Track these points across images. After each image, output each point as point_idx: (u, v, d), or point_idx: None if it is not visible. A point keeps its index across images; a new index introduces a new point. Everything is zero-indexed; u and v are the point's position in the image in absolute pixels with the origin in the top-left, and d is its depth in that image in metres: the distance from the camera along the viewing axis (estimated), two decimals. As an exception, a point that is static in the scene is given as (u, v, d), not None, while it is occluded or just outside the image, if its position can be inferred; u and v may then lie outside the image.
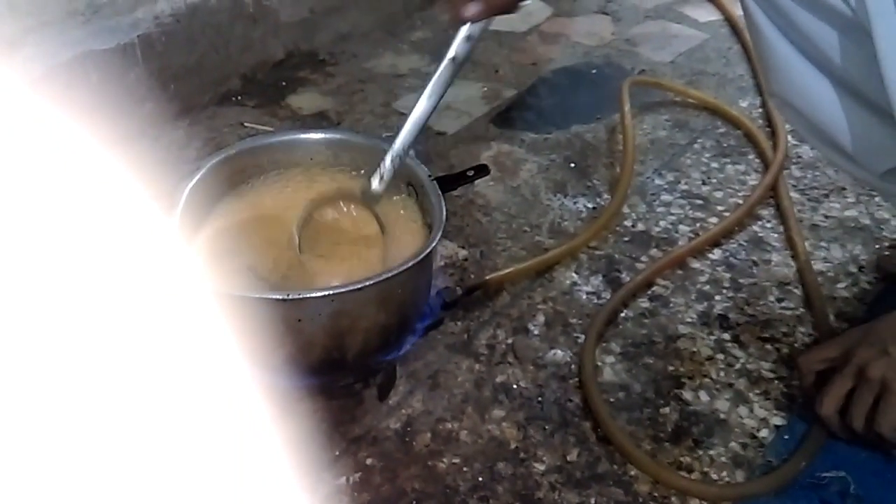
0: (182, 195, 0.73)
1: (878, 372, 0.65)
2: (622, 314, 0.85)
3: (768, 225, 0.97)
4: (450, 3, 0.71)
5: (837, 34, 0.66)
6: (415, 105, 0.72)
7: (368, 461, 0.70)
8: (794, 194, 1.02)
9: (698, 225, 0.97)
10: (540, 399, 0.76)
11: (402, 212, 0.77)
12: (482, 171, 0.82)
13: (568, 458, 0.71)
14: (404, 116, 0.75)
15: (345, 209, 0.75)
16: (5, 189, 0.33)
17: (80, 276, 0.32)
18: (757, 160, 1.09)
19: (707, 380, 0.78)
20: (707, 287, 0.89)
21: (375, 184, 0.73)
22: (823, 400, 0.68)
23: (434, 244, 0.68)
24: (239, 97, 1.24)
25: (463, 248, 0.94)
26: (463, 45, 0.71)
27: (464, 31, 0.70)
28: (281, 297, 0.63)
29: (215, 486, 0.32)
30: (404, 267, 0.66)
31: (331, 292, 0.63)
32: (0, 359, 0.29)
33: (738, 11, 1.47)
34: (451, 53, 0.71)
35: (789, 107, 0.76)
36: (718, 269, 0.91)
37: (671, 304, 0.86)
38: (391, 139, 0.74)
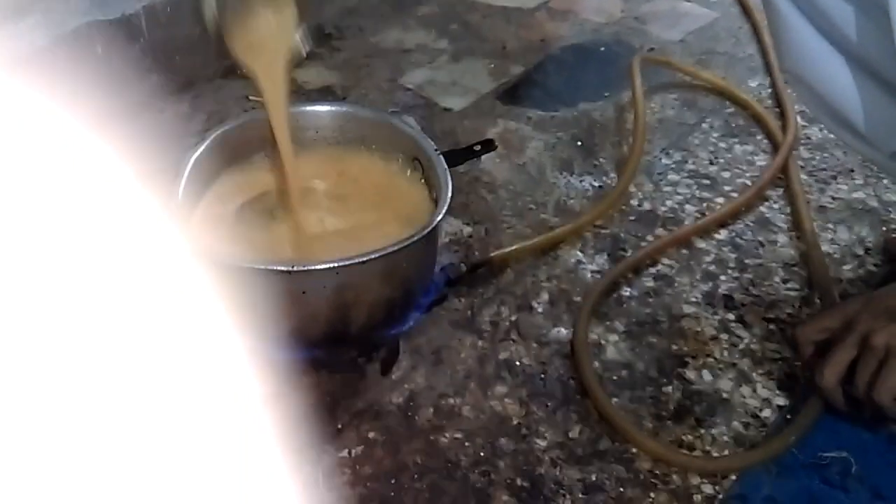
0: (186, 167, 0.72)
1: (883, 339, 0.64)
2: (626, 293, 0.85)
3: (775, 206, 0.97)
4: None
5: (854, 10, 0.65)
6: None
7: (371, 435, 0.70)
8: (802, 176, 1.01)
9: (705, 205, 0.97)
10: (542, 376, 0.76)
11: (407, 186, 0.77)
12: (489, 145, 0.82)
13: (570, 435, 0.71)
14: (410, 91, 0.74)
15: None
16: (8, 162, 0.33)
17: (81, 249, 0.32)
18: (765, 141, 1.08)
19: (710, 359, 0.78)
20: (712, 267, 0.88)
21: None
22: (825, 370, 0.67)
23: (440, 218, 0.68)
24: (244, 70, 1.23)
25: (468, 224, 0.94)
26: None
27: None
28: (286, 269, 0.63)
29: (218, 459, 0.32)
30: (410, 241, 0.65)
31: (336, 265, 0.63)
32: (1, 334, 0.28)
33: (749, -10, 1.45)
34: None
35: (802, 83, 0.75)
36: (724, 249, 0.91)
37: (676, 284, 0.86)
38: (397, 114, 0.74)
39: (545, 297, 0.84)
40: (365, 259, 0.64)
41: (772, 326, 0.81)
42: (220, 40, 0.66)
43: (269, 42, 0.69)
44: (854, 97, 0.71)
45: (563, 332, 0.80)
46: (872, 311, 0.66)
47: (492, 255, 0.87)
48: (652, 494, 0.66)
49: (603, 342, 0.79)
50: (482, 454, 0.69)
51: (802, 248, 0.90)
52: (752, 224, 0.94)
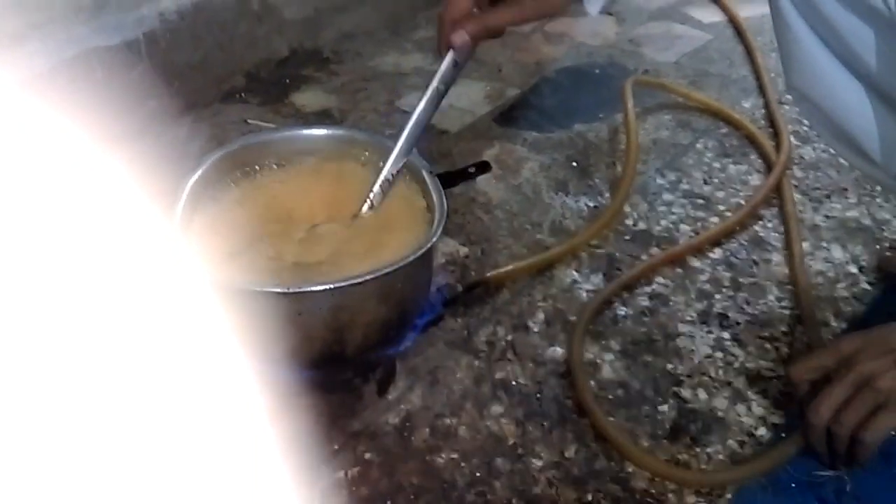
0: (184, 191, 0.73)
1: (889, 383, 0.62)
2: (621, 312, 0.85)
3: (769, 225, 0.97)
4: (438, 29, 0.71)
5: (874, 34, 0.65)
6: (403, 130, 0.74)
7: (367, 456, 0.71)
8: (795, 195, 1.02)
9: (699, 224, 0.98)
10: (539, 396, 0.76)
11: (405, 197, 0.77)
12: (483, 167, 0.83)
13: (566, 455, 0.71)
14: (407, 115, 0.75)
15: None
16: (10, 184, 0.33)
17: (82, 270, 0.33)
18: (759, 160, 1.09)
19: (706, 378, 0.78)
20: (707, 286, 0.89)
21: (365, 209, 0.74)
22: (820, 406, 0.65)
23: (435, 239, 0.69)
24: (242, 94, 1.25)
25: (464, 245, 0.95)
26: (450, 70, 0.72)
27: (450, 56, 0.71)
28: (281, 291, 0.63)
29: (215, 478, 0.32)
30: (405, 262, 0.66)
31: (331, 286, 0.64)
32: (2, 353, 0.29)
33: (742, 13, 1.47)
34: (436, 79, 0.72)
35: (809, 101, 0.75)
36: (719, 268, 0.91)
37: (671, 303, 0.86)
38: (394, 136, 0.75)
39: (541, 316, 0.85)
40: (360, 280, 0.64)
41: (766, 345, 0.81)
42: None
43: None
44: (866, 118, 0.70)
45: (558, 351, 0.81)
46: (874, 351, 0.65)
47: (488, 275, 0.88)
48: (648, 514, 0.66)
49: (599, 361, 0.80)
50: (478, 474, 0.69)
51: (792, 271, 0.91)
52: (746, 243, 0.95)
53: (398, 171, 0.74)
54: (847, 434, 0.65)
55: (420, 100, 0.73)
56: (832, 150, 1.06)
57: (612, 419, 0.74)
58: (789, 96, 0.86)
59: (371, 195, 0.74)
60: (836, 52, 0.70)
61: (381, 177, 0.74)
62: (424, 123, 0.74)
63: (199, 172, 0.75)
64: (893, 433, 0.65)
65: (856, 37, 0.66)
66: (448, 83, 0.72)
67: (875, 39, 0.65)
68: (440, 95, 0.73)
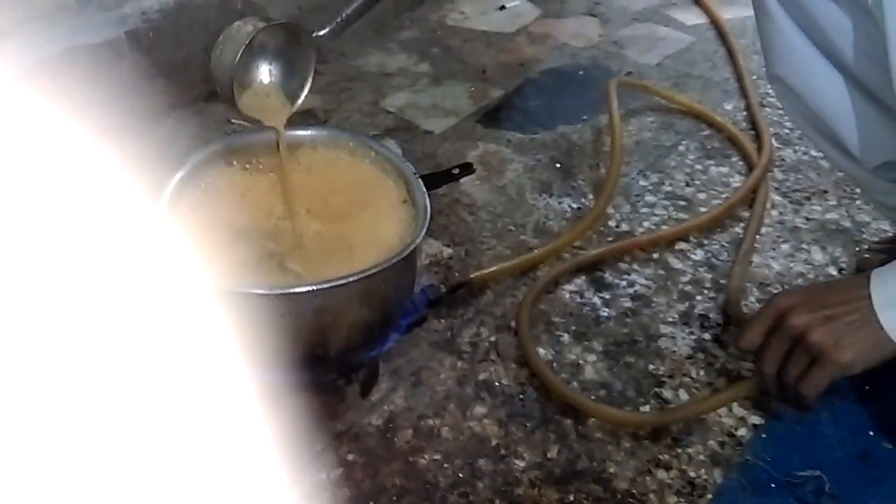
0: (168, 189, 0.73)
1: (818, 338, 0.64)
2: (604, 313, 0.86)
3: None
4: None
5: (852, 24, 0.66)
6: None
7: (350, 457, 0.71)
8: (776, 197, 1.03)
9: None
10: (521, 397, 0.77)
11: (387, 208, 0.77)
12: (467, 169, 0.83)
13: (548, 455, 0.71)
14: (391, 114, 0.75)
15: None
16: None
17: (66, 269, 0.32)
18: (741, 163, 1.10)
19: (687, 378, 0.79)
20: (689, 287, 0.89)
21: (322, 32, 0.74)
22: (764, 362, 0.68)
23: (418, 240, 0.69)
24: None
25: (448, 246, 0.95)
26: None
27: None
28: (264, 293, 0.63)
29: (199, 478, 0.32)
30: (388, 263, 0.66)
31: (314, 287, 0.64)
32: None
33: (724, 15, 1.48)
34: None
35: (788, 90, 0.76)
36: (700, 269, 0.92)
37: (653, 304, 0.87)
38: (378, 137, 0.75)
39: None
40: (344, 282, 0.64)
41: (747, 346, 0.82)
42: (231, 100, 0.72)
43: (276, 106, 0.75)
44: (844, 108, 0.71)
45: (541, 352, 0.81)
46: (808, 306, 0.66)
47: (471, 276, 0.88)
48: (629, 514, 0.67)
49: (581, 362, 0.80)
50: (461, 475, 0.69)
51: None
52: (727, 244, 0.95)
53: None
54: (791, 384, 0.67)
55: None
56: (813, 150, 1.08)
57: (592, 420, 0.74)
58: (770, 90, 0.86)
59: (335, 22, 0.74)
60: (815, 42, 0.71)
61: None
62: None
63: (183, 171, 0.75)
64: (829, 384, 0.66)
65: (835, 26, 0.67)
66: None
67: (853, 30, 0.66)
68: None
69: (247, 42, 0.70)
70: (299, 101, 0.75)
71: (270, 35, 0.73)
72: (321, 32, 0.73)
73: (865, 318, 0.63)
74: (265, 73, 0.75)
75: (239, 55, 0.69)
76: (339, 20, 0.72)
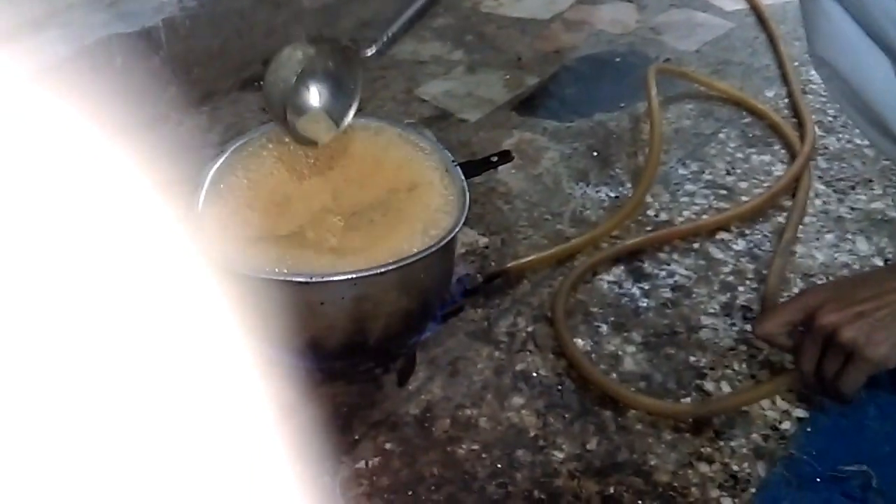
0: (205, 178, 0.73)
1: (850, 335, 0.63)
2: (643, 303, 0.85)
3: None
4: None
5: None
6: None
7: (388, 446, 0.70)
8: (819, 186, 1.01)
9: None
10: (560, 387, 0.76)
11: (425, 196, 0.77)
12: (506, 157, 0.82)
13: (587, 447, 0.70)
14: (426, 103, 0.75)
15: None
16: (31, 172, 0.33)
17: (102, 259, 0.32)
18: (783, 151, 1.08)
19: (729, 371, 0.77)
20: (731, 278, 0.88)
21: (369, 52, 0.74)
22: (802, 361, 0.68)
23: (458, 229, 0.68)
24: (261, 83, 1.24)
25: (484, 235, 0.94)
26: None
27: None
28: (304, 280, 0.63)
29: (236, 469, 0.32)
30: (427, 251, 0.66)
31: (353, 276, 0.63)
32: (16, 333, 0.29)
33: (764, 0, 1.45)
34: None
35: (832, 72, 0.74)
36: (742, 259, 0.90)
37: (694, 295, 0.86)
38: (413, 126, 0.74)
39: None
40: (382, 270, 0.64)
41: (791, 338, 0.80)
42: (284, 125, 0.74)
43: (326, 129, 0.76)
44: (891, 93, 0.69)
45: (580, 342, 0.80)
46: (837, 304, 0.65)
47: (508, 265, 0.87)
48: (670, 507, 0.66)
49: (620, 353, 0.79)
50: (499, 466, 0.69)
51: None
52: (769, 235, 0.93)
53: (404, 29, 0.74)
54: (830, 382, 0.66)
55: None
56: (857, 138, 1.05)
57: (633, 412, 0.73)
58: (813, 76, 0.84)
59: (380, 41, 0.74)
60: (861, 23, 0.69)
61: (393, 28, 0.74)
62: None
63: (220, 161, 0.75)
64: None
65: (882, 8, 0.65)
66: None
67: None
68: None
69: (299, 71, 0.71)
70: (347, 121, 0.76)
71: (319, 56, 0.73)
72: (369, 53, 0.74)
73: None
74: (315, 96, 0.76)
75: (292, 83, 0.71)
76: (385, 39, 0.72)
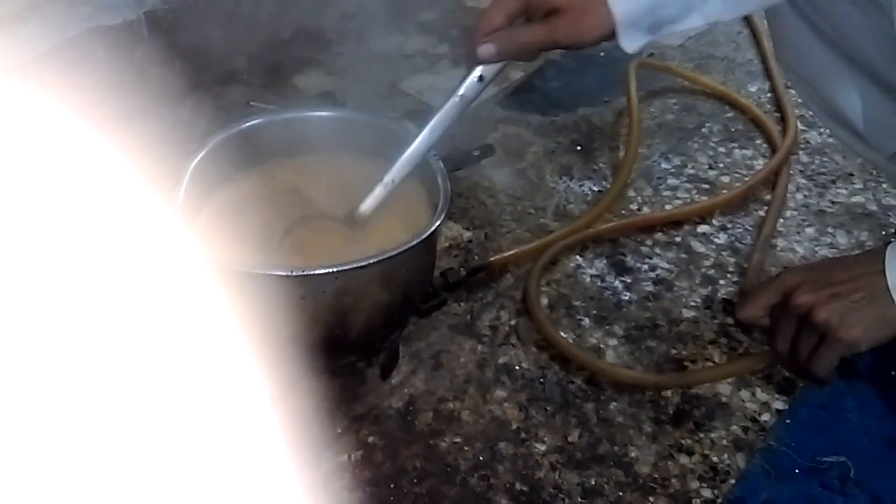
0: (186, 173, 0.72)
1: (824, 316, 0.64)
2: (625, 297, 0.85)
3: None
4: (467, 41, 0.69)
5: (855, 10, 0.65)
6: (416, 136, 0.70)
7: (370, 439, 0.71)
8: (801, 180, 1.01)
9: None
10: (542, 380, 0.76)
11: (406, 191, 0.77)
12: (488, 151, 0.82)
13: (569, 439, 0.71)
14: (410, 97, 0.74)
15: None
16: (10, 168, 0.33)
17: (83, 254, 0.32)
18: (765, 145, 1.08)
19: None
20: (712, 271, 0.88)
21: (364, 207, 0.72)
22: (776, 341, 0.69)
23: (438, 223, 0.68)
24: (245, 76, 1.23)
25: (467, 229, 0.94)
26: (474, 85, 0.69)
27: (477, 71, 0.68)
28: (284, 274, 0.63)
29: (217, 463, 0.32)
30: (408, 245, 0.66)
31: (335, 269, 0.63)
32: (4, 332, 0.29)
33: (748, -5, 1.45)
34: (460, 91, 0.69)
35: (799, 77, 0.75)
36: (723, 253, 0.91)
37: (675, 288, 0.86)
38: (397, 119, 0.74)
39: (544, 301, 0.84)
40: (364, 263, 0.64)
41: (771, 330, 0.81)
42: None
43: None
44: (853, 97, 0.70)
45: (562, 335, 0.80)
46: (814, 285, 0.66)
47: (491, 259, 0.87)
48: (651, 498, 0.66)
49: (602, 346, 0.80)
50: (481, 458, 0.69)
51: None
52: (750, 228, 0.94)
53: (402, 177, 0.71)
54: (804, 362, 0.67)
55: (437, 109, 0.70)
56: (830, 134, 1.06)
57: (615, 404, 0.73)
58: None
59: (373, 195, 0.71)
60: (817, 28, 0.70)
61: (384, 181, 0.71)
62: (438, 134, 0.70)
63: (203, 154, 0.75)
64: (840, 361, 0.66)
65: (836, 11, 0.66)
66: (471, 98, 0.69)
67: (855, 14, 0.65)
68: (461, 108, 0.69)
69: None
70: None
71: None
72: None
73: (872, 296, 0.63)
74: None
75: None
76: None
